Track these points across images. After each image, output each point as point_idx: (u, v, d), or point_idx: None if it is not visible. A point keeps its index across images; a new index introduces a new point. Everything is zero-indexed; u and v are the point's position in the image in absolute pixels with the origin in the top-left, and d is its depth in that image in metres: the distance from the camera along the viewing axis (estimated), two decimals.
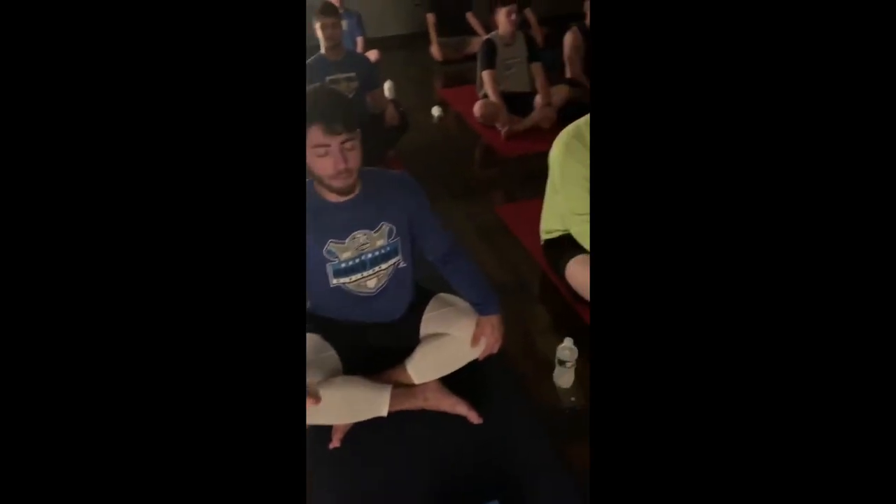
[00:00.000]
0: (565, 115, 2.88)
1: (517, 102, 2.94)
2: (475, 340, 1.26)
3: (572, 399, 1.37)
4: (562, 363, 1.37)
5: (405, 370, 1.30)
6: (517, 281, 1.85)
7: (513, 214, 2.19)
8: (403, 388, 1.29)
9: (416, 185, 1.24)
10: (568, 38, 3.19)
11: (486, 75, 2.88)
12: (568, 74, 3.22)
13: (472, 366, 1.32)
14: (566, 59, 3.23)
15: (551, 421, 1.32)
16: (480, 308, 1.27)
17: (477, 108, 2.96)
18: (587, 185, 1.53)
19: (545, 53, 3.32)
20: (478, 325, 1.26)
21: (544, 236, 1.77)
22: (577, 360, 1.37)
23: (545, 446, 1.24)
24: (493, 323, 1.26)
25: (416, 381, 1.30)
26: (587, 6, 3.19)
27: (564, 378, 1.39)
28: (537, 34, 4.04)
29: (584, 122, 1.57)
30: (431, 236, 1.26)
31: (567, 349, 1.36)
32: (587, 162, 1.52)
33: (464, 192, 2.42)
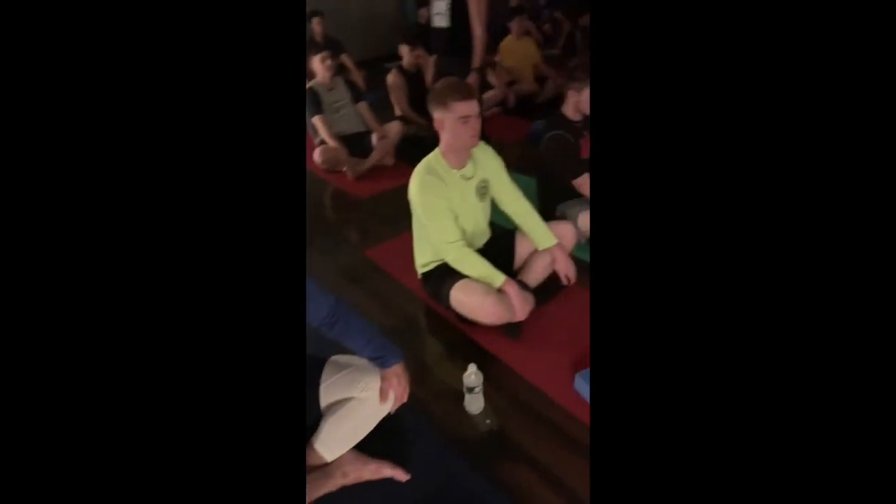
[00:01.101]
0: (402, 150, 3.02)
1: (355, 143, 2.98)
2: (384, 396, 1.21)
3: (488, 422, 1.39)
4: (470, 390, 1.39)
5: (314, 450, 1.18)
6: (404, 320, 1.83)
7: (384, 255, 2.18)
8: (317, 470, 1.18)
9: None
10: (389, 79, 3.36)
11: (316, 121, 2.89)
12: (397, 112, 3.38)
13: (384, 422, 1.26)
14: (392, 99, 3.39)
15: (475, 449, 1.32)
16: (382, 361, 1.22)
17: (317, 155, 2.92)
18: (451, 214, 1.61)
19: (368, 94, 3.45)
20: (383, 379, 1.21)
21: (421, 270, 1.79)
22: (484, 384, 1.40)
23: (479, 476, 1.23)
24: (397, 373, 1.23)
25: (329, 458, 1.19)
26: (404, 50, 3.40)
27: (475, 404, 1.41)
28: (357, 77, 4.15)
29: (433, 156, 1.66)
30: (309, 304, 1.18)
31: (472, 375, 1.38)
32: (445, 193, 1.60)
33: (325, 241, 2.34)
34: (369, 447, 1.23)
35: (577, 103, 2.02)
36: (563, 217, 2.11)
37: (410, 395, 1.27)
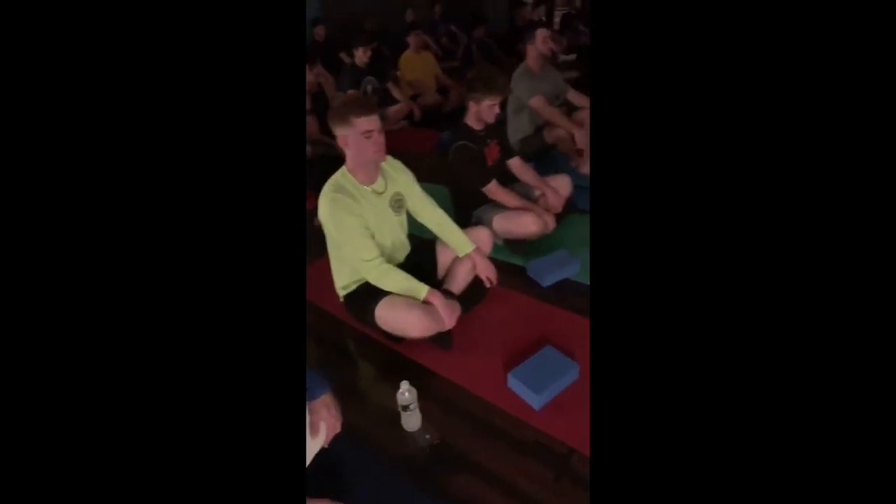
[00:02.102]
0: (311, 172, 2.93)
1: None
2: (314, 430, 1.14)
3: (427, 437, 1.36)
4: (405, 408, 1.35)
5: None
6: (330, 347, 1.76)
7: None
8: None
9: None
10: None
11: None
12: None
13: (319, 457, 1.19)
14: None
15: (419, 467, 1.28)
16: (309, 394, 1.15)
17: None
18: (366, 231, 1.57)
19: None
20: (312, 412, 1.15)
21: (342, 292, 1.73)
22: (420, 399, 1.37)
23: (427, 495, 1.20)
24: (326, 403, 1.16)
25: None
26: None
27: (412, 421, 1.37)
28: None
29: (339, 174, 1.61)
30: None
31: (405, 392, 1.34)
32: (357, 210, 1.56)
33: None
34: (308, 487, 1.16)
35: (478, 113, 2.07)
36: (479, 222, 2.16)
37: (344, 424, 1.21)
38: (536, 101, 2.71)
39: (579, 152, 2.87)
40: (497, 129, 2.22)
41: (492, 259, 1.80)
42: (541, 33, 2.67)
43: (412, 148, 3.27)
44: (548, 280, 1.94)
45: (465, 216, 2.22)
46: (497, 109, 2.06)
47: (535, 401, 1.38)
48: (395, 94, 4.04)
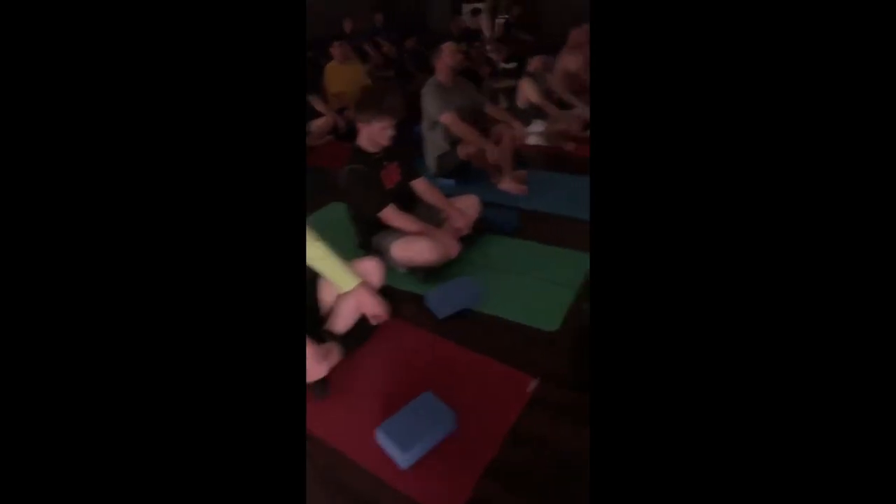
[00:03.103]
0: None
1: None
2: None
3: None
4: None
5: None
6: None
7: None
8: None
9: None
10: None
11: None
12: None
13: None
14: None
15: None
16: None
17: None
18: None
19: None
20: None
21: None
22: None
23: None
24: None
25: None
26: None
27: None
28: None
29: None
30: None
31: None
32: None
33: None
34: None
35: (370, 135, 1.95)
36: (378, 249, 2.03)
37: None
38: (446, 118, 2.61)
39: (499, 168, 2.79)
40: (399, 151, 2.10)
41: (393, 288, 1.67)
42: (447, 47, 2.58)
43: (336, 163, 3.11)
44: (444, 311, 1.82)
45: (367, 243, 2.09)
46: (390, 132, 1.94)
47: (402, 459, 1.25)
48: (319, 107, 3.88)
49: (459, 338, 1.72)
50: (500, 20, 7.26)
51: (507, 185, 2.78)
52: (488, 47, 6.34)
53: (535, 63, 3.35)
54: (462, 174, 2.88)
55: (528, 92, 3.32)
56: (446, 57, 2.59)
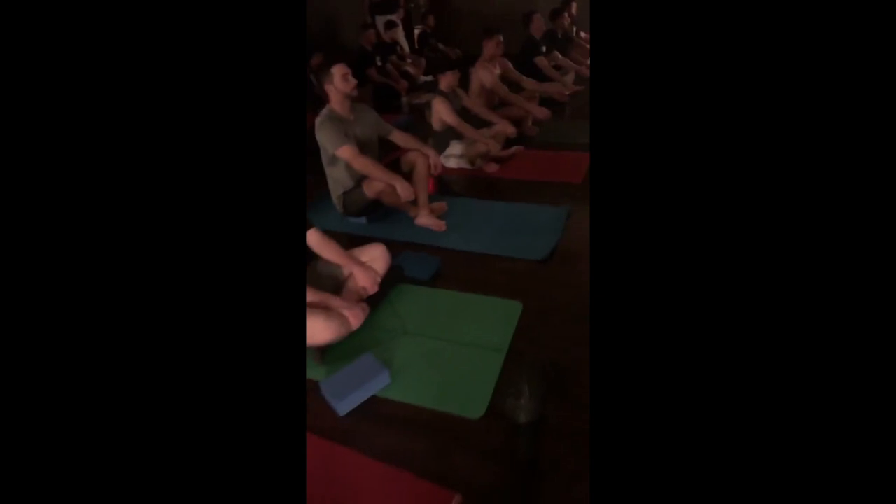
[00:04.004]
0: None
1: None
2: None
3: None
4: None
5: None
6: None
7: None
8: None
9: None
10: None
11: None
12: None
13: None
14: None
15: None
16: None
17: None
18: None
19: None
20: None
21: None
22: None
23: None
24: None
25: None
26: None
27: None
28: None
29: None
30: None
31: None
32: None
33: None
34: None
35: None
36: None
37: None
38: (343, 152, 2.26)
39: (415, 203, 2.46)
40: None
41: None
42: (338, 70, 2.22)
43: None
44: (345, 406, 1.46)
45: None
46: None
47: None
48: None
49: (365, 442, 1.37)
50: (416, 30, 6.99)
51: (424, 220, 2.47)
52: (409, 60, 6.04)
53: (446, 80, 3.06)
54: (373, 211, 2.54)
55: (441, 112, 3.03)
56: (338, 82, 2.24)
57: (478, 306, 1.88)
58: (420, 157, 2.45)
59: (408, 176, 2.46)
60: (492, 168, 3.13)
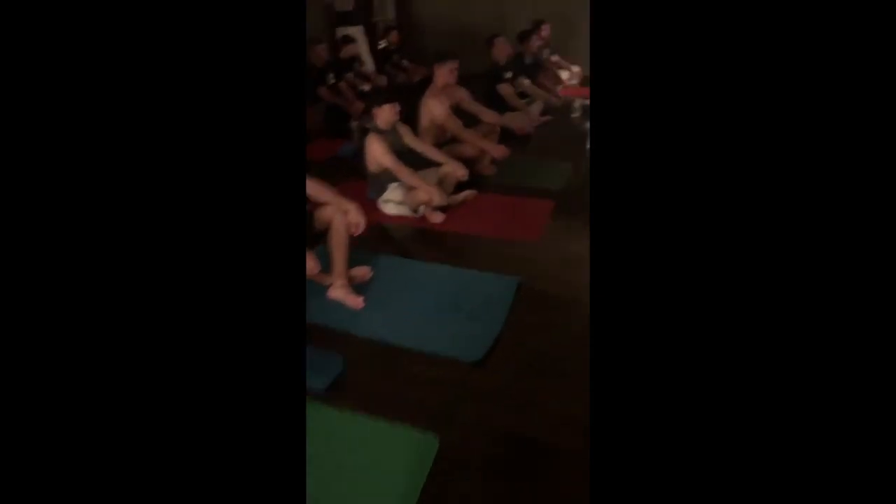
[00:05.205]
0: None
1: None
2: None
3: None
4: None
5: None
6: None
7: None
8: None
9: None
10: None
11: None
12: None
13: None
14: None
15: None
16: None
17: None
18: None
19: None
20: None
21: None
22: None
23: None
24: None
25: None
26: None
27: None
28: None
29: None
30: None
31: None
32: None
33: None
34: None
35: None
36: None
37: None
38: None
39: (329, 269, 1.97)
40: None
41: None
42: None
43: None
44: None
45: None
46: None
47: None
48: None
49: None
50: (379, 46, 6.53)
51: (338, 292, 1.97)
52: (371, 78, 5.57)
53: (383, 115, 2.57)
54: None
55: (376, 153, 2.55)
56: None
57: (381, 440, 1.38)
58: (337, 214, 1.96)
59: (322, 236, 1.97)
60: (437, 218, 2.65)
